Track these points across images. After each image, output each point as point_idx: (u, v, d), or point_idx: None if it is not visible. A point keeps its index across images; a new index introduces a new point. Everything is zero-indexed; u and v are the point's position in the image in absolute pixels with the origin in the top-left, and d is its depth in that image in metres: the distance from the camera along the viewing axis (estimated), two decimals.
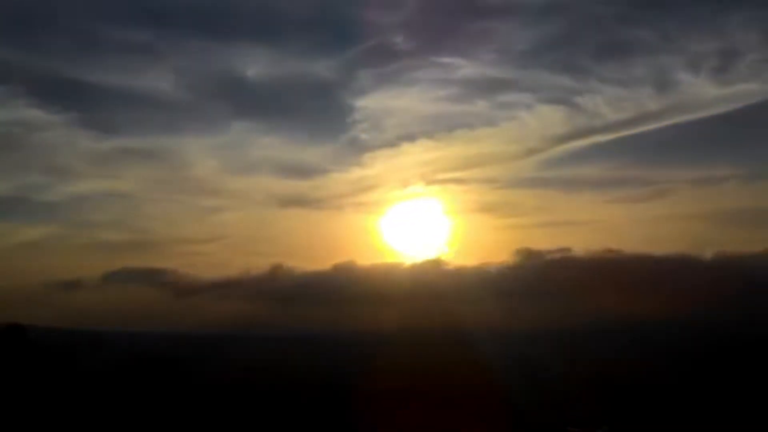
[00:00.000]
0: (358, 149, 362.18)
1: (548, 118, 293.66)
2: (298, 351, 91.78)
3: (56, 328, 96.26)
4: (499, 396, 52.93)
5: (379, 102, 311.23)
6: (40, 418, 46.77)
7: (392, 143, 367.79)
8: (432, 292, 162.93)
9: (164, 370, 71.95)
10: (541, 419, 49.18)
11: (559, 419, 48.13)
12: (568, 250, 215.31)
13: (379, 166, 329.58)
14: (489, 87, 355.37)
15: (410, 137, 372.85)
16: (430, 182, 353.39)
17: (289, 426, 51.93)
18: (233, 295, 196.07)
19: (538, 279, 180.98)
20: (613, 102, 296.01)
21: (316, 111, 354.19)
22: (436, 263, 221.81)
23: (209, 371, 72.40)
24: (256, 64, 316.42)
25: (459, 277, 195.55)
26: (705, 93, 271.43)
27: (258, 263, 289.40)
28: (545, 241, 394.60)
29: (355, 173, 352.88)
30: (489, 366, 66.49)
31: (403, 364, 66.44)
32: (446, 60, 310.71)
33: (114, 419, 50.11)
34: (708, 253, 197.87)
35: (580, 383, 58.68)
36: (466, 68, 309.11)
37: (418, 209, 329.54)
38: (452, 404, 51.46)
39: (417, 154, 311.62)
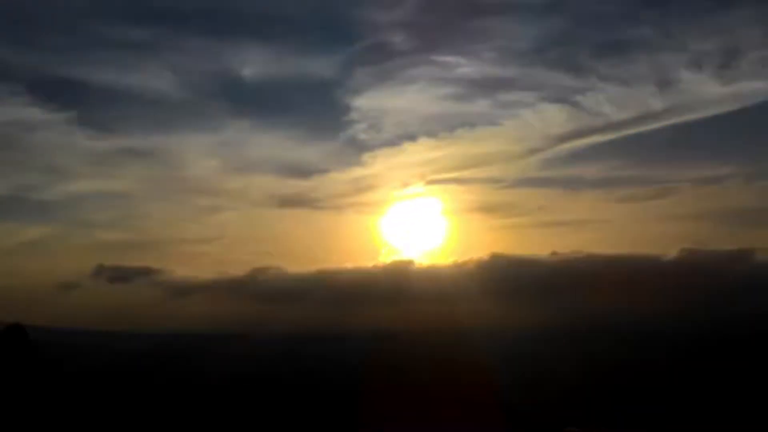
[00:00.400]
0: (358, 148, 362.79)
1: (550, 117, 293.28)
2: (294, 351, 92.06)
3: (56, 328, 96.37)
4: (496, 395, 53.23)
5: (379, 101, 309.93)
6: (41, 419, 46.92)
7: (392, 142, 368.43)
8: (430, 292, 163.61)
9: (163, 370, 72.30)
10: (539, 419, 49.39)
11: (558, 419, 48.31)
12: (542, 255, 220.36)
13: (378, 165, 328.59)
14: (490, 86, 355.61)
15: (410, 136, 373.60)
16: (431, 182, 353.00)
17: (281, 425, 52.23)
18: (230, 296, 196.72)
19: (509, 280, 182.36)
20: (615, 101, 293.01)
21: (314, 110, 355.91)
22: (432, 263, 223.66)
23: (206, 371, 72.75)
24: (254, 63, 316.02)
25: (444, 276, 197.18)
26: (708, 91, 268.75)
27: (255, 263, 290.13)
28: (545, 241, 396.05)
29: (355, 173, 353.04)
30: (479, 363, 66.86)
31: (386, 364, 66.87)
32: (446, 59, 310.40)
33: (113, 419, 50.36)
34: (682, 253, 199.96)
35: (570, 382, 59.15)
36: (467, 67, 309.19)
37: (418, 209, 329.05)
38: (446, 403, 51.65)
39: (417, 153, 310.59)
